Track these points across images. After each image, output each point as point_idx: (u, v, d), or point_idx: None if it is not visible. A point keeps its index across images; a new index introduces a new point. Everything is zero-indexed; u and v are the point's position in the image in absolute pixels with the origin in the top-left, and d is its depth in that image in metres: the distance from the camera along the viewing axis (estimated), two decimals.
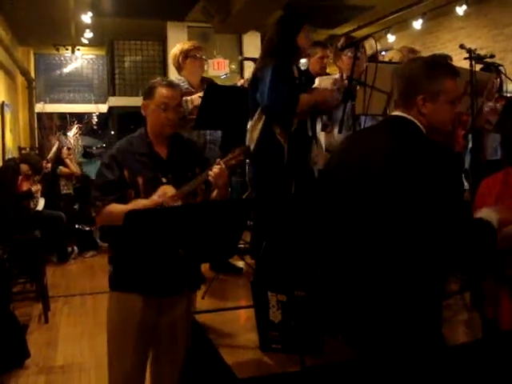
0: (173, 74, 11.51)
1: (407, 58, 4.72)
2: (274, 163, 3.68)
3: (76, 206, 9.38)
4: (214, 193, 2.97)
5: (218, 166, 2.84)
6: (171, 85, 2.96)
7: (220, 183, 2.87)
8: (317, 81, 4.46)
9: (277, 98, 3.57)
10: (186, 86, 4.46)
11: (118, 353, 2.93)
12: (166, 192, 2.83)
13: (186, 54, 4.54)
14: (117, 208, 2.79)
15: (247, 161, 3.83)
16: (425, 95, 2.31)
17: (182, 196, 2.83)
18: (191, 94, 4.36)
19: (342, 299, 2.35)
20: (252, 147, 3.72)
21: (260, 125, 3.72)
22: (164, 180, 2.88)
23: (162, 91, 2.90)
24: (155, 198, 2.81)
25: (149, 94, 2.94)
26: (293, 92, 3.65)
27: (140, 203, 2.79)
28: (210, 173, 2.83)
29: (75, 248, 8.83)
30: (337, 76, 4.40)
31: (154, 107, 2.90)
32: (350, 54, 4.17)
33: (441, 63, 2.43)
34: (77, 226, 9.08)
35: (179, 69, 4.62)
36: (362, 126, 3.99)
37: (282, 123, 3.67)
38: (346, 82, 4.15)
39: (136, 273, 2.79)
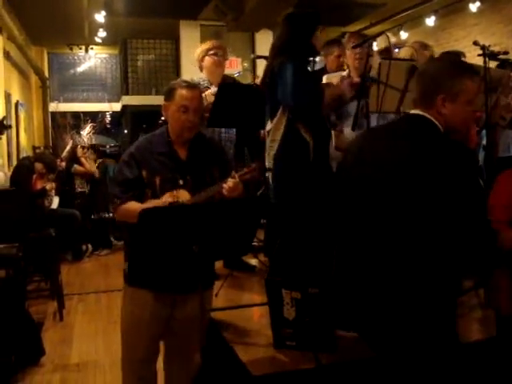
0: (186, 73, 11.62)
1: (419, 53, 4.72)
2: (300, 161, 3.65)
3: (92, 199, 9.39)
4: None
5: (233, 180, 2.81)
6: (191, 86, 2.92)
7: (234, 196, 2.83)
8: (324, 78, 4.45)
9: (303, 96, 3.54)
10: (206, 85, 4.48)
11: (130, 345, 2.97)
12: (179, 196, 2.83)
13: (205, 53, 4.55)
14: (133, 206, 2.80)
15: (270, 161, 3.79)
16: (445, 95, 2.30)
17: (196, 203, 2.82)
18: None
19: (356, 296, 2.35)
20: (275, 147, 3.70)
21: (283, 124, 3.68)
22: (181, 182, 2.86)
23: (181, 93, 2.87)
24: (169, 200, 2.81)
25: (169, 95, 2.92)
26: (317, 89, 3.65)
27: (152, 203, 2.79)
28: (225, 186, 2.81)
29: (89, 246, 8.88)
30: (344, 73, 4.39)
31: (175, 109, 2.88)
32: (353, 48, 4.18)
33: (464, 63, 2.44)
34: (93, 217, 9.12)
35: (200, 68, 4.65)
36: (371, 124, 3.97)
37: (307, 121, 3.65)
38: (353, 78, 4.16)
39: (150, 270, 2.81)
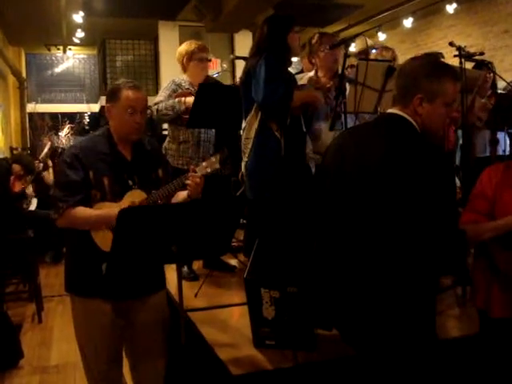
0: (165, 73, 11.61)
1: (381, 56, 4.77)
2: (272, 158, 3.70)
3: None
4: (180, 197, 2.94)
5: (198, 174, 2.81)
6: (136, 86, 2.84)
7: (197, 191, 2.83)
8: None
9: (272, 93, 3.59)
10: (187, 87, 4.45)
11: (91, 359, 2.91)
12: (136, 197, 2.79)
13: (190, 56, 4.49)
14: (85, 213, 2.71)
15: (245, 159, 3.84)
16: (423, 95, 2.29)
17: (154, 200, 2.79)
18: (192, 94, 4.35)
19: (335, 295, 2.37)
20: (250, 145, 3.76)
21: (256, 122, 3.74)
22: (130, 182, 2.81)
23: (128, 94, 2.78)
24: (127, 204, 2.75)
25: (113, 96, 2.82)
26: (287, 88, 3.68)
27: (109, 208, 2.72)
28: (188, 182, 2.80)
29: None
30: (311, 74, 4.41)
31: (120, 111, 2.79)
32: (326, 50, 4.20)
33: (444, 65, 2.43)
34: None
35: (183, 69, 4.60)
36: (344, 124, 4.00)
37: (278, 118, 3.70)
38: (321, 78, 4.20)
39: (97, 279, 2.73)
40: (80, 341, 2.95)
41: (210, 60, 4.74)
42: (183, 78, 4.54)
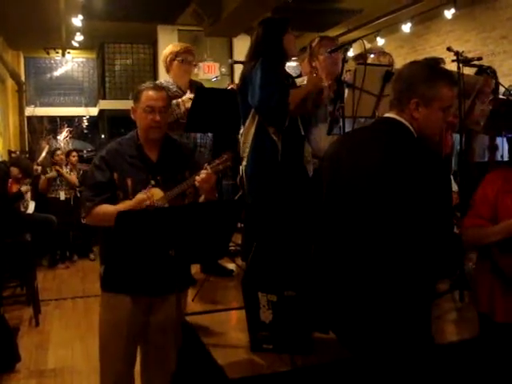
0: (163, 77, 11.50)
1: (378, 61, 4.77)
2: (269, 162, 3.69)
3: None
4: (202, 197, 2.99)
5: (205, 171, 2.85)
6: (157, 87, 2.97)
7: (207, 188, 2.88)
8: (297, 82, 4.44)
9: (268, 98, 3.58)
10: (175, 89, 4.43)
11: (108, 352, 2.95)
12: (153, 194, 2.85)
13: (174, 56, 4.49)
14: (106, 209, 2.83)
15: (244, 163, 3.83)
16: (419, 99, 2.30)
17: (169, 199, 2.85)
18: (180, 96, 4.34)
19: (332, 298, 2.37)
20: (247, 150, 3.75)
21: (253, 127, 3.73)
22: (153, 182, 2.90)
23: (147, 94, 2.93)
24: (140, 196, 2.82)
25: (136, 97, 2.98)
26: (283, 90, 3.67)
27: (126, 204, 2.82)
28: (197, 178, 2.84)
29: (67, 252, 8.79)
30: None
31: (141, 110, 2.93)
32: (326, 53, 4.19)
33: (441, 70, 2.43)
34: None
35: (167, 70, 4.59)
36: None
37: (275, 122, 3.69)
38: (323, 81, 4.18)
39: (125, 273, 2.81)
40: (101, 338, 2.99)
41: (195, 64, 4.72)
42: (169, 81, 4.49)
